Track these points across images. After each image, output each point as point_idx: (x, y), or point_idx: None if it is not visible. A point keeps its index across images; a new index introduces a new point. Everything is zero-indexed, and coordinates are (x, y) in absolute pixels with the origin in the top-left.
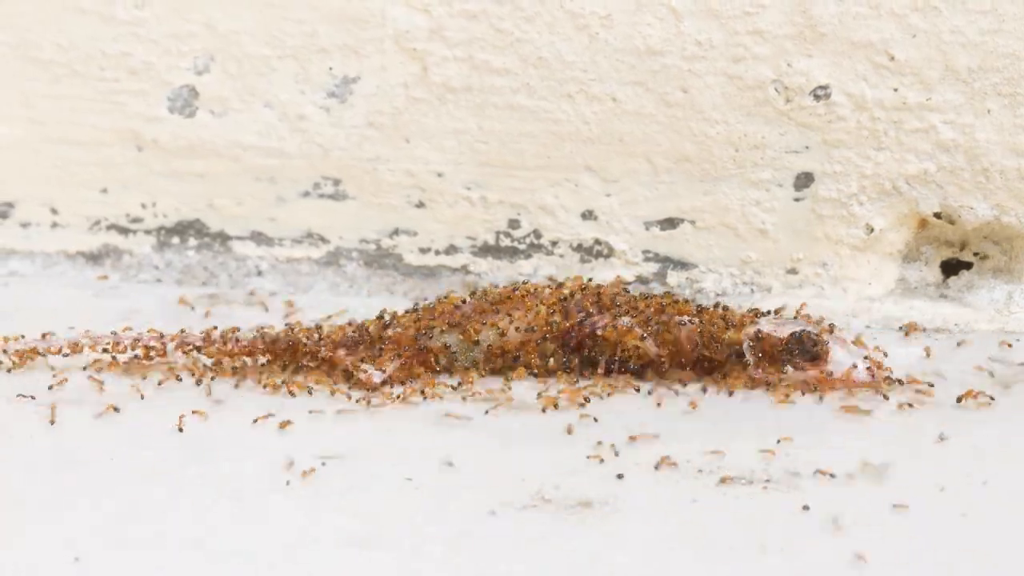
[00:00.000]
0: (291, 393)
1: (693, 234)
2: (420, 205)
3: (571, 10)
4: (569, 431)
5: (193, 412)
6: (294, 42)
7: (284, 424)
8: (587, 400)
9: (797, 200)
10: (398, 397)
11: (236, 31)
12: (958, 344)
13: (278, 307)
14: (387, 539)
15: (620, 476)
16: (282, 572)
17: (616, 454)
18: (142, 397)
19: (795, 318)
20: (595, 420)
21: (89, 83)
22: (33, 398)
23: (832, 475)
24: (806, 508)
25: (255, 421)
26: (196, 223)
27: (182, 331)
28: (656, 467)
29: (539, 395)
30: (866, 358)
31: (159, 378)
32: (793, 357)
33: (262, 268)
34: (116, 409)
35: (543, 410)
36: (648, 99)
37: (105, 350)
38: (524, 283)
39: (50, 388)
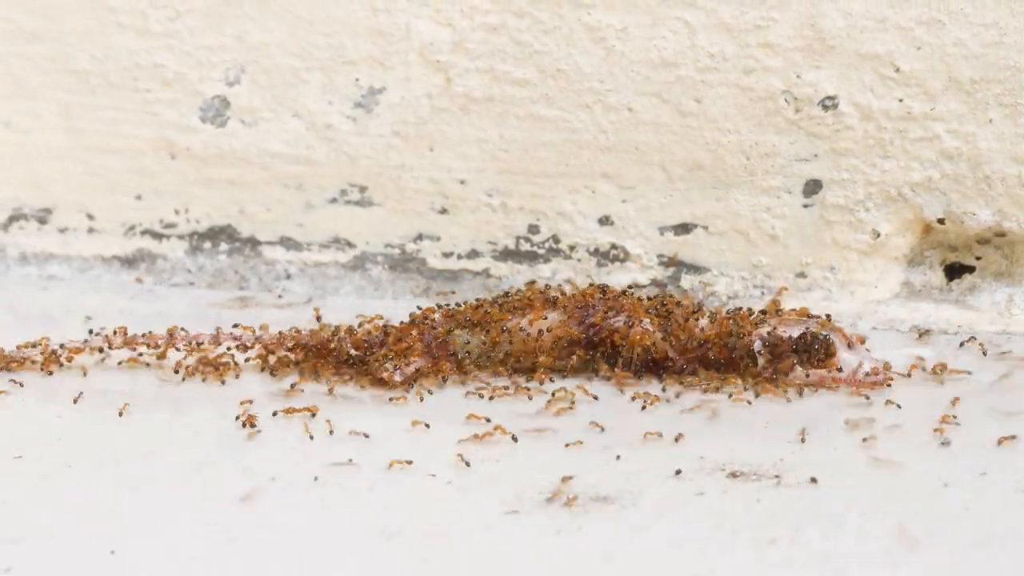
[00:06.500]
0: (331, 392)
1: (706, 239)
2: (443, 211)
3: (588, 24)
4: (586, 428)
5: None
6: (322, 54)
7: (310, 409)
8: (596, 397)
9: (806, 206)
10: (420, 394)
11: (266, 43)
12: (960, 345)
13: (306, 309)
14: (409, 534)
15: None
16: (304, 565)
17: (632, 451)
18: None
19: (799, 317)
20: (608, 418)
21: (125, 93)
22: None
23: (836, 472)
24: (814, 503)
25: (274, 414)
26: (227, 229)
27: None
28: (671, 463)
29: (554, 394)
30: (874, 358)
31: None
32: (801, 357)
33: (291, 272)
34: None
35: (557, 412)
36: (663, 109)
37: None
38: (546, 286)
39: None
